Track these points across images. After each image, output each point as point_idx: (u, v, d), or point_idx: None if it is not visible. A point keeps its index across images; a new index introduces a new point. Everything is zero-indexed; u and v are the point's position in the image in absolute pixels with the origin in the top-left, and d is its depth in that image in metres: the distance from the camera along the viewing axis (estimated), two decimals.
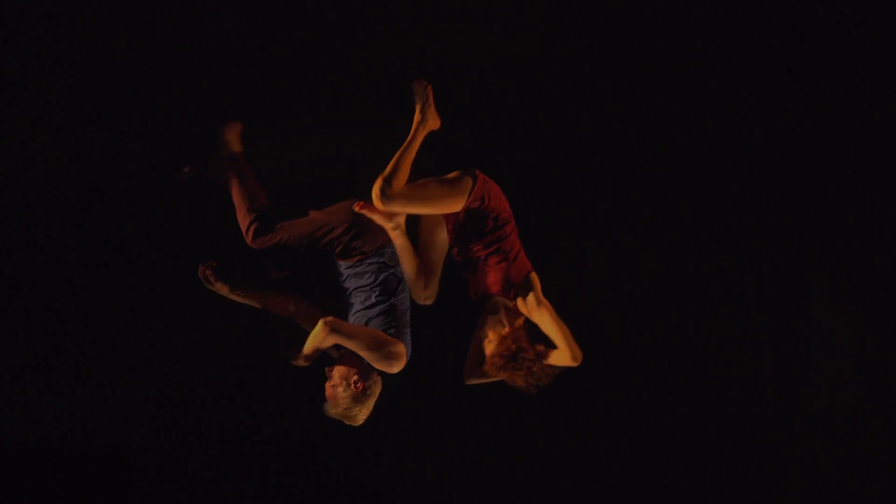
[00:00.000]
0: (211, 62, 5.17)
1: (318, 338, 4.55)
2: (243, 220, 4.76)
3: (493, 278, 4.55)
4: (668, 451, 5.47)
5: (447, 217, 4.64)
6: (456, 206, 4.50)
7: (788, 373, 5.51)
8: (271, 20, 5.20)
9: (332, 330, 4.52)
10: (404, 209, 4.45)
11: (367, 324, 4.68)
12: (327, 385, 4.67)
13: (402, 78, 5.05)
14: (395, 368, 4.63)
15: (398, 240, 4.59)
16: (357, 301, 4.74)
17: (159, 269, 5.27)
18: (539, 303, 4.50)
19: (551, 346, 4.47)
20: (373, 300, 4.70)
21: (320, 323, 4.54)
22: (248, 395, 5.38)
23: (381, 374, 4.83)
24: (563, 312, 5.27)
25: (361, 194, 5.02)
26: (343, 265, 4.75)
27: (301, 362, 4.67)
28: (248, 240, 4.74)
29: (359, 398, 4.62)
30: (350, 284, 4.75)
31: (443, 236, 4.70)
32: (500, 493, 5.50)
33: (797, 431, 5.50)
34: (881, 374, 5.47)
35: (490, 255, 4.52)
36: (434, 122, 4.61)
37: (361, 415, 4.66)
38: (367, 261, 4.71)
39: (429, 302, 4.73)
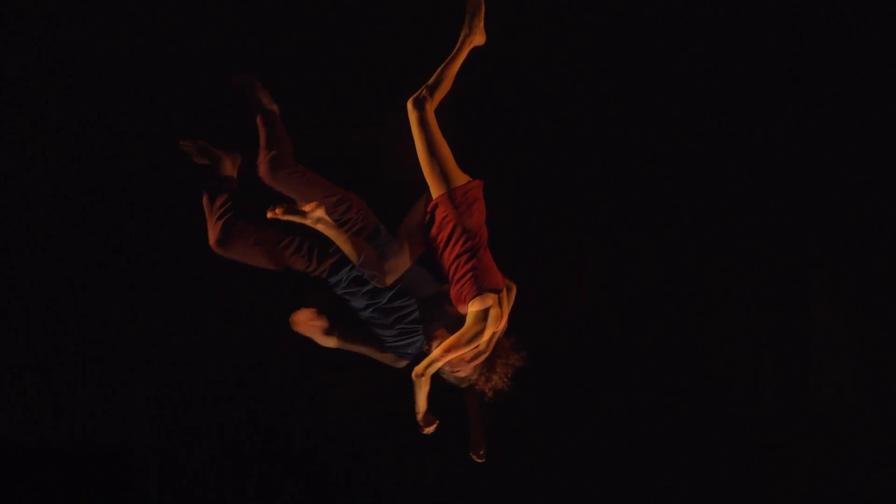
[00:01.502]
0: (211, 62, 5.18)
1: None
2: (271, 144, 4.67)
3: (453, 291, 4.55)
4: (668, 451, 5.47)
5: (427, 204, 4.62)
6: (441, 179, 4.47)
7: (788, 373, 5.51)
8: (271, 20, 5.20)
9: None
10: (416, 130, 4.43)
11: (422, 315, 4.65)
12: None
13: (402, 78, 5.06)
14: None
15: (327, 232, 4.57)
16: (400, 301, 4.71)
17: (159, 269, 5.27)
18: (469, 319, 4.46)
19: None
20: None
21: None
22: (248, 395, 5.38)
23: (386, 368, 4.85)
24: (563, 312, 5.27)
25: (361, 194, 5.03)
26: (343, 274, 4.71)
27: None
28: (266, 167, 4.67)
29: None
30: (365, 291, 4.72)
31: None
32: (500, 493, 5.50)
33: (797, 431, 5.50)
34: (881, 374, 5.47)
35: (452, 265, 4.51)
36: (480, 38, 4.60)
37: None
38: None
39: (384, 285, 4.72)
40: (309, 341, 5.29)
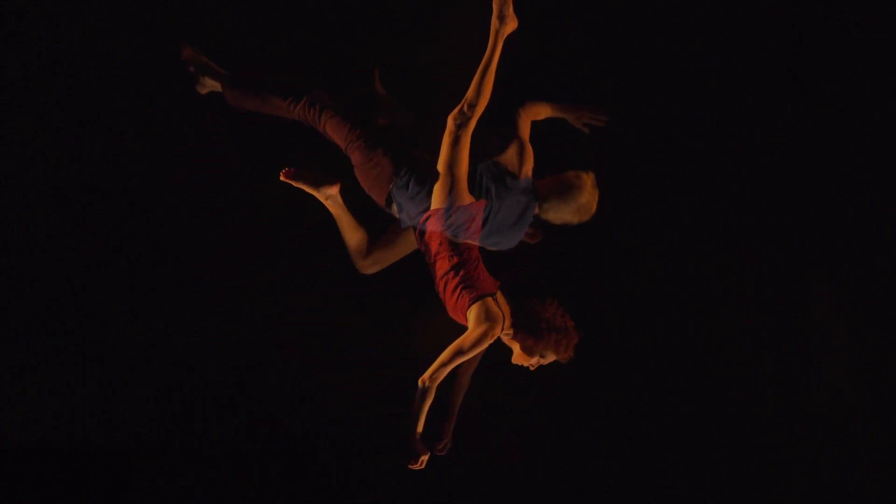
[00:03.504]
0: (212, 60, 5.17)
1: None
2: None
3: (448, 305, 4.55)
4: (668, 451, 5.47)
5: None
6: (446, 195, 4.45)
7: (788, 373, 5.51)
8: (271, 19, 5.20)
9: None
10: (447, 144, 4.33)
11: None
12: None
13: (399, 79, 5.07)
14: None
15: (333, 209, 4.58)
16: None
17: (159, 269, 5.27)
18: (471, 323, 4.43)
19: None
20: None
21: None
22: (248, 395, 5.37)
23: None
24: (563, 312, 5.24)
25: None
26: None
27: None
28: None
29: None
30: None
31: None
32: (500, 493, 5.50)
33: (797, 431, 5.49)
34: (881, 374, 5.47)
35: (442, 280, 4.51)
36: (513, 23, 4.34)
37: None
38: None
39: (366, 272, 4.72)
40: (308, 342, 5.30)
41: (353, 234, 4.67)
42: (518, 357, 4.55)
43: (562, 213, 4.53)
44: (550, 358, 4.53)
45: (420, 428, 4.42)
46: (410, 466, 4.49)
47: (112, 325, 5.28)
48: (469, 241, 4.48)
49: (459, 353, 4.37)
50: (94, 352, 5.29)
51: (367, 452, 5.45)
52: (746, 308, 5.49)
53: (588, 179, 4.51)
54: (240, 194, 5.27)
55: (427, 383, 4.35)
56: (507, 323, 4.51)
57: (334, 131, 4.56)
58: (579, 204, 4.50)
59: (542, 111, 4.61)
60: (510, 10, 4.34)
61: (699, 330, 5.45)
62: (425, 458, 4.50)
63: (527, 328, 4.49)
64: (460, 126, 4.32)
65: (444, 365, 4.36)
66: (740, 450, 5.49)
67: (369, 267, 4.75)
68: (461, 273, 4.45)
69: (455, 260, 4.45)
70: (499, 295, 4.55)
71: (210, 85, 4.83)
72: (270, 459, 5.42)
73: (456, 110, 4.33)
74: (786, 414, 5.49)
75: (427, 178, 4.45)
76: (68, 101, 5.19)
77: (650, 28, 5.33)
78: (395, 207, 4.53)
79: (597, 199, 4.53)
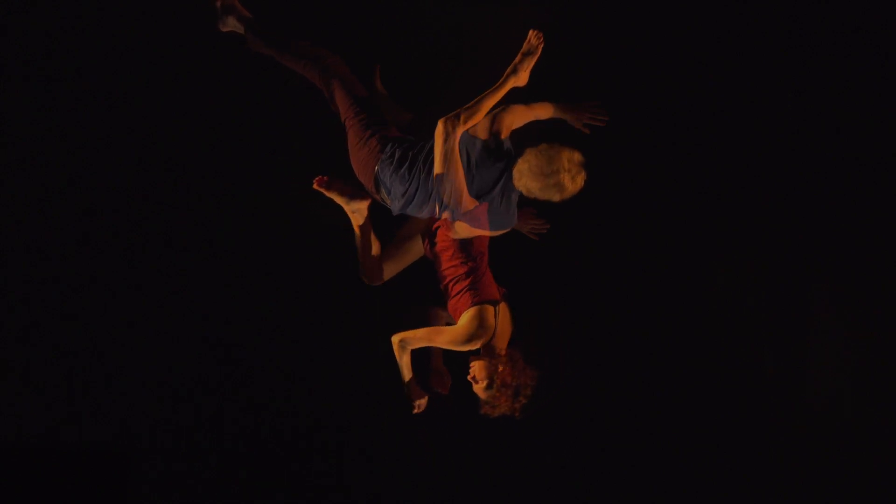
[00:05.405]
0: (211, 60, 5.18)
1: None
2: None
3: (450, 304, 4.57)
4: (668, 451, 5.47)
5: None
6: (450, 198, 4.47)
7: (789, 374, 5.51)
8: (271, 17, 5.21)
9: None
10: (440, 149, 4.34)
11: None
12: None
13: (399, 78, 5.08)
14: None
15: (356, 222, 4.60)
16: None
17: (160, 269, 5.28)
18: (462, 319, 4.49)
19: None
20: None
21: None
22: (248, 395, 5.38)
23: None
24: (564, 311, 5.27)
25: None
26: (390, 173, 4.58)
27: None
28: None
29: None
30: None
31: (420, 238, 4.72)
32: (499, 493, 5.51)
33: (797, 431, 5.50)
34: (881, 374, 5.47)
35: (450, 282, 4.54)
36: (523, 79, 4.49)
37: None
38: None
39: (374, 283, 4.75)
40: (309, 343, 5.30)
41: (369, 250, 4.67)
42: (478, 360, 4.53)
43: (528, 187, 4.32)
44: (480, 389, 4.53)
45: (407, 377, 4.65)
46: (413, 413, 4.73)
47: (112, 325, 5.29)
48: (479, 249, 4.54)
49: (434, 338, 4.47)
50: (95, 352, 5.30)
51: (366, 452, 5.45)
52: (747, 309, 5.49)
53: (562, 160, 4.28)
54: (239, 193, 5.28)
55: (396, 344, 4.57)
56: (498, 336, 4.54)
57: (340, 101, 4.61)
58: (546, 185, 4.28)
59: (543, 111, 4.60)
60: (527, 69, 4.49)
61: (699, 330, 5.46)
62: (423, 401, 4.74)
63: (504, 364, 4.50)
64: (449, 134, 4.35)
65: (417, 339, 4.55)
66: (740, 450, 5.50)
67: (377, 279, 4.76)
68: (470, 278, 4.51)
69: (470, 265, 4.52)
70: (502, 305, 4.57)
71: (232, 25, 4.82)
72: (270, 459, 5.42)
73: (450, 115, 4.36)
74: (786, 414, 5.50)
75: (410, 151, 4.46)
76: (68, 100, 5.20)
77: (649, 27, 5.34)
78: (383, 192, 4.54)
79: (570, 179, 4.29)
